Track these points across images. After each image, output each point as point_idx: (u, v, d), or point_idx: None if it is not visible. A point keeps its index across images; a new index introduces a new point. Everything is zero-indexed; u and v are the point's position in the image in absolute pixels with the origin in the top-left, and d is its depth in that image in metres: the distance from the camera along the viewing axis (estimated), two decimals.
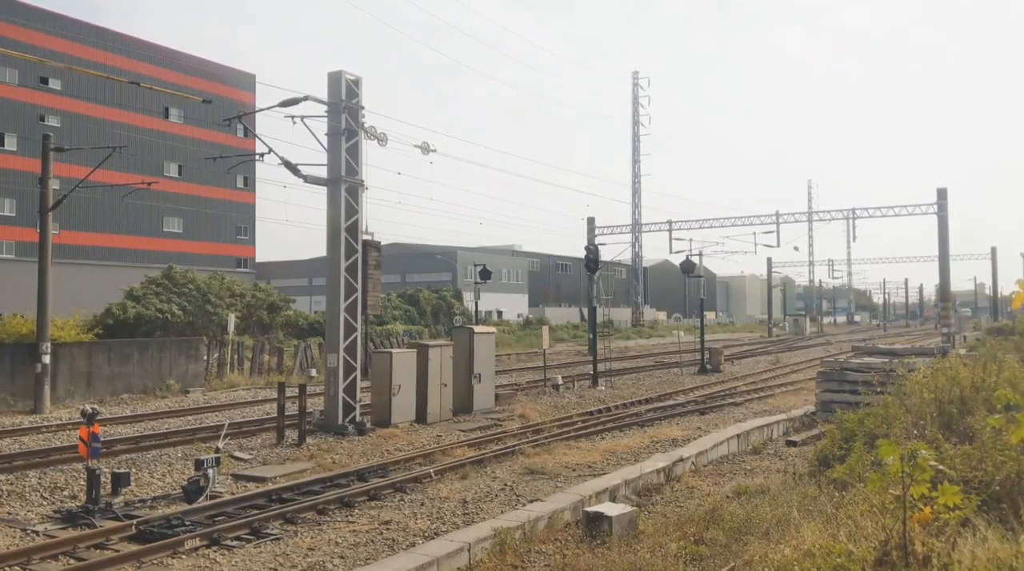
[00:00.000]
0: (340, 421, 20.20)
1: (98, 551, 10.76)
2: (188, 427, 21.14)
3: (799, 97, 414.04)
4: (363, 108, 21.62)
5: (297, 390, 19.44)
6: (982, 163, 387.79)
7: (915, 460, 6.30)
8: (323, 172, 21.22)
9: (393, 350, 23.82)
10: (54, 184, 26.27)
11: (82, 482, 13.58)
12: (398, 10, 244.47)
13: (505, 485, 14.45)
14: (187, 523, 11.67)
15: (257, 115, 30.60)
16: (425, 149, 24.24)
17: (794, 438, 18.90)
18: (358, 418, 20.63)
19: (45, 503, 13.37)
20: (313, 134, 20.98)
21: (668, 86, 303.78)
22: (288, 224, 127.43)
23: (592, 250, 34.88)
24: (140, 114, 66.40)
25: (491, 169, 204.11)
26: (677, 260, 52.77)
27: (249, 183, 76.17)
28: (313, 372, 33.72)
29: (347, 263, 21.01)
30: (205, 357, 32.49)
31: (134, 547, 10.77)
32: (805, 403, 24.05)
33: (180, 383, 29.94)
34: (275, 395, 21.18)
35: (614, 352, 42.76)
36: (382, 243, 24.13)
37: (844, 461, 11.28)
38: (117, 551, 10.67)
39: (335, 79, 21.20)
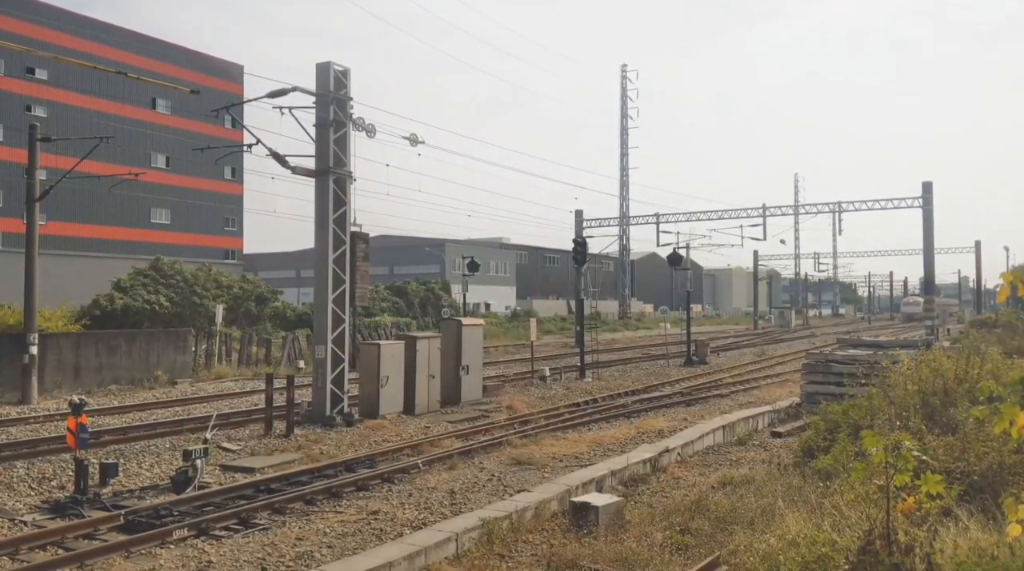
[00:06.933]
0: (328, 412, 20.22)
1: (87, 541, 10.78)
2: (176, 418, 21.12)
3: (784, 91, 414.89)
4: (351, 99, 21.60)
5: (285, 381, 19.45)
6: (968, 157, 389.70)
7: (898, 451, 6.40)
8: (311, 163, 21.20)
9: (381, 342, 23.84)
10: (41, 174, 26.14)
11: (70, 472, 13.57)
12: (384, 1, 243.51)
13: (492, 476, 14.52)
14: (175, 513, 11.71)
15: (245, 106, 30.46)
16: (413, 141, 24.23)
17: (779, 429, 19.03)
18: (346, 409, 20.67)
19: (33, 493, 13.37)
20: (301, 125, 20.99)
21: (655, 80, 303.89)
22: (276, 216, 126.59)
23: (580, 243, 34.90)
24: (127, 104, 65.97)
25: (479, 161, 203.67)
26: (664, 253, 52.85)
27: (237, 174, 75.76)
28: (301, 364, 33.69)
29: (335, 255, 21.01)
30: (193, 348, 32.44)
31: (122, 537, 10.80)
32: (790, 395, 24.19)
33: (168, 374, 29.88)
34: (263, 387, 21.17)
35: (601, 344, 42.84)
36: (370, 235, 24.10)
37: (829, 452, 11.41)
38: (106, 541, 10.69)
39: (323, 70, 21.16)
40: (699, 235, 59.48)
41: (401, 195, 60.17)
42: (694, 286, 76.41)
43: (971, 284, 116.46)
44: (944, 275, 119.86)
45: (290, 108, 20.71)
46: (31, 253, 25.27)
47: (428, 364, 22.49)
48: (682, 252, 43.07)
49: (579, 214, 58.90)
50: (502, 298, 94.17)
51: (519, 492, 12.85)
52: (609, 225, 63.55)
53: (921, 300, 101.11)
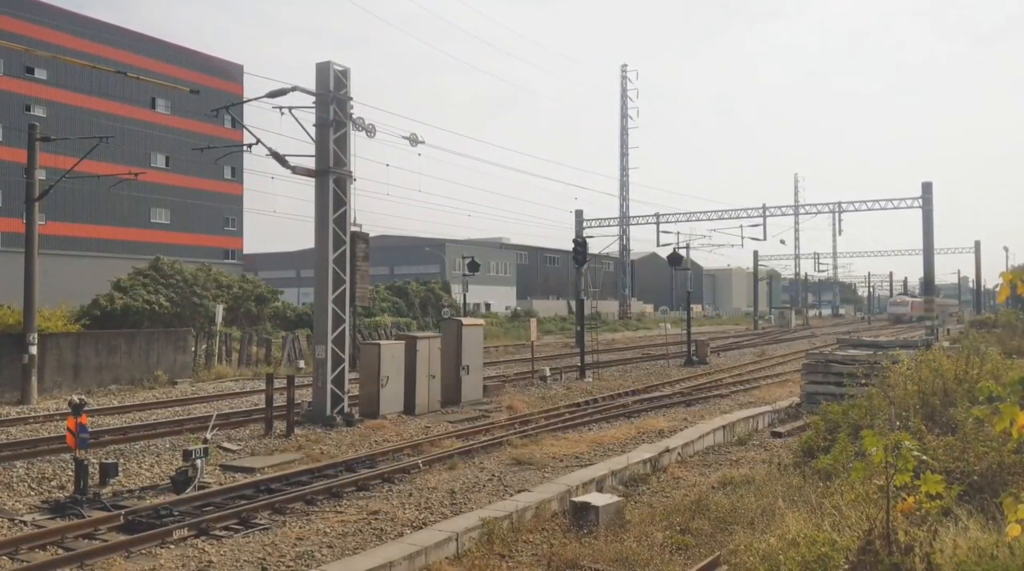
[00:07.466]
0: (328, 412, 20.22)
1: (87, 541, 10.77)
2: (176, 418, 21.11)
3: (784, 91, 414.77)
4: (351, 99, 21.58)
5: (285, 381, 19.45)
6: (968, 157, 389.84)
7: (898, 451, 6.39)
8: (311, 163, 21.19)
9: (381, 342, 23.83)
10: (40, 174, 26.15)
11: (70, 472, 13.57)
12: (384, 1, 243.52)
13: (493, 476, 14.52)
14: (175, 513, 11.70)
15: (245, 106, 30.48)
16: (414, 140, 24.22)
17: (779, 429, 19.03)
18: (346, 409, 20.66)
19: (33, 493, 13.37)
20: (301, 125, 20.97)
21: (655, 80, 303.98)
22: (276, 216, 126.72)
23: (580, 243, 34.88)
24: (127, 104, 65.93)
25: (480, 161, 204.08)
26: (664, 253, 52.90)
27: (236, 174, 75.74)
28: (301, 364, 33.70)
29: (335, 255, 21.00)
30: (193, 348, 32.44)
31: (123, 537, 10.79)
32: (790, 395, 24.19)
33: (168, 374, 29.88)
34: (263, 387, 21.17)
35: (601, 344, 42.86)
36: (370, 235, 24.07)
37: (829, 452, 11.40)
38: (106, 541, 10.68)
39: (323, 70, 21.15)
40: (699, 235, 59.62)
41: (401, 195, 60.34)
42: (694, 286, 76.40)
43: (971, 284, 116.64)
44: (944, 275, 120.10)
45: (290, 108, 20.72)
46: (31, 253, 25.27)
47: (428, 364, 22.48)
48: (682, 252, 43.11)
49: (579, 214, 59.02)
50: (502, 298, 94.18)
51: (519, 492, 12.85)
52: (609, 225, 63.71)
53: (909, 299, 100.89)
